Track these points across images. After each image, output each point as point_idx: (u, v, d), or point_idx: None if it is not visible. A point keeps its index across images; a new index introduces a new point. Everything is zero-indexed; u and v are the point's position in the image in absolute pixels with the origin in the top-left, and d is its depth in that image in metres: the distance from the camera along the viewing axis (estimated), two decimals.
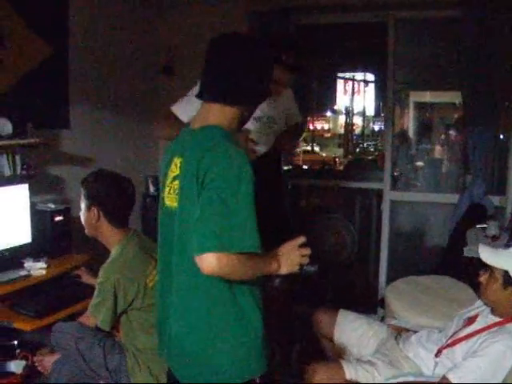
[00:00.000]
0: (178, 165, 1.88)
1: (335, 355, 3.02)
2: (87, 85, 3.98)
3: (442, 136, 6.18)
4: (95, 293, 2.58)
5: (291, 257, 1.88)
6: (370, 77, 12.78)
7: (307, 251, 1.89)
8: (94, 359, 2.60)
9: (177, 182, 1.87)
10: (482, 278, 2.48)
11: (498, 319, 2.43)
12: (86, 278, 3.17)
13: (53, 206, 3.39)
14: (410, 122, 6.61)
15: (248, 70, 1.90)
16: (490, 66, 4.15)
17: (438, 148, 6.18)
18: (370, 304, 3.42)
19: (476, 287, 2.67)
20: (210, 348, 1.86)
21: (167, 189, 1.94)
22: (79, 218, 2.75)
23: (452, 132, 5.95)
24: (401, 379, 2.51)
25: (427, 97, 6.55)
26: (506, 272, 2.36)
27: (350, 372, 2.59)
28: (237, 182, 1.71)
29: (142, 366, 2.59)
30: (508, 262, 2.37)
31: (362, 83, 12.44)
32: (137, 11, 4.56)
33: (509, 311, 2.40)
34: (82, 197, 2.68)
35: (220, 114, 1.89)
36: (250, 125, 2.99)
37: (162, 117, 3.07)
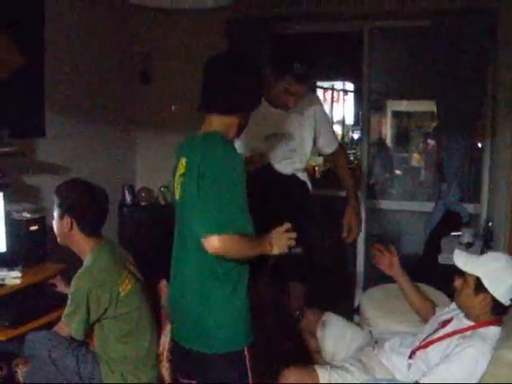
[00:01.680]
0: (184, 164, 2.24)
1: (317, 353, 3.10)
2: (63, 93, 3.97)
3: (420, 144, 6.22)
4: (68, 302, 2.57)
5: (281, 239, 2.25)
6: (350, 86, 12.81)
7: (293, 234, 2.26)
8: (67, 368, 2.59)
9: (183, 179, 2.25)
10: (457, 283, 2.50)
11: (471, 323, 2.46)
12: (62, 287, 3.15)
13: (28, 214, 3.36)
14: (387, 131, 6.65)
15: (237, 84, 2.25)
16: (464, 75, 4.20)
17: (415, 156, 6.23)
18: (346, 311, 3.43)
19: (451, 294, 2.69)
20: (210, 319, 2.23)
21: (176, 185, 2.32)
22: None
23: (429, 140, 6.00)
24: None
25: (404, 106, 6.60)
26: (478, 278, 2.40)
27: (323, 377, 2.61)
28: (231, 176, 2.10)
29: (116, 374, 2.58)
30: (480, 269, 2.40)
31: (341, 92, 12.45)
32: (113, 19, 4.57)
33: (481, 316, 2.44)
34: (55, 205, 2.67)
35: (219, 123, 2.27)
36: (260, 143, 3.12)
37: None
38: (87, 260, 2.64)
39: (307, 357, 3.21)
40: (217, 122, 2.27)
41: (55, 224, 2.70)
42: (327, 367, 2.72)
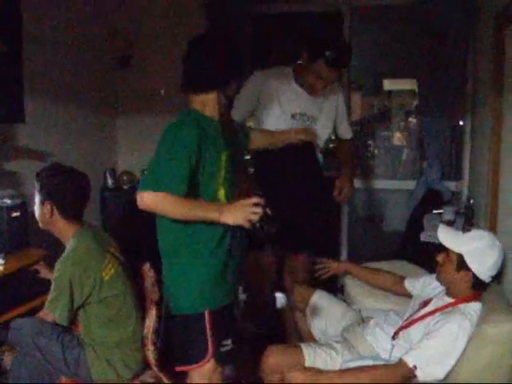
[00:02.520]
0: None
1: (305, 330, 3.14)
2: (42, 78, 3.91)
3: (402, 123, 6.22)
4: (51, 288, 2.56)
5: (239, 210, 2.23)
6: None
7: (259, 210, 2.21)
8: (52, 354, 2.59)
9: None
10: (439, 258, 2.54)
11: (452, 300, 2.49)
12: (45, 273, 3.13)
13: (9, 201, 3.33)
14: (368, 110, 6.63)
15: (205, 62, 2.33)
16: (445, 54, 4.21)
17: (397, 135, 6.23)
18: (329, 290, 3.45)
19: (433, 271, 2.72)
20: (171, 282, 2.44)
21: None
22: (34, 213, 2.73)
23: (411, 119, 6.00)
24: (359, 362, 2.54)
25: (386, 84, 6.58)
26: (461, 256, 2.42)
27: (308, 354, 2.63)
28: (173, 142, 2.22)
29: (102, 359, 2.59)
30: (464, 247, 2.43)
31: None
32: (92, 2, 4.51)
33: (462, 292, 2.47)
34: (36, 191, 2.65)
35: (195, 101, 2.38)
36: (283, 121, 3.28)
37: None
38: (69, 245, 2.62)
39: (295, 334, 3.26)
40: (194, 101, 2.39)
41: (36, 210, 2.68)
42: (312, 344, 2.75)
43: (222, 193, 2.36)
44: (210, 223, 2.29)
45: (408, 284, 2.91)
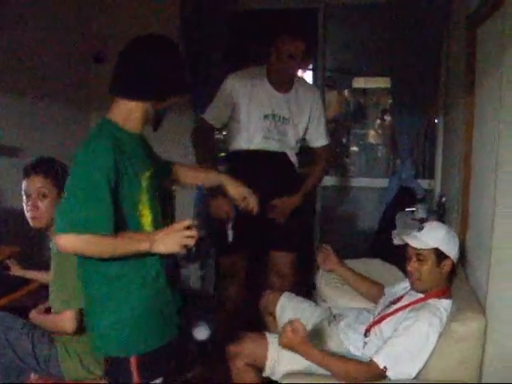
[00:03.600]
0: None
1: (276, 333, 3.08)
2: (14, 74, 3.87)
3: (377, 121, 6.27)
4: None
5: (171, 237, 1.98)
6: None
7: (193, 233, 1.98)
8: (23, 349, 2.56)
9: None
10: (413, 268, 2.52)
11: (422, 296, 2.52)
12: (15, 270, 3.10)
13: None
14: (343, 108, 6.67)
15: (141, 68, 2.00)
16: (419, 52, 4.24)
17: (372, 133, 6.27)
18: (302, 289, 3.46)
19: (405, 269, 2.73)
20: (92, 322, 2.11)
21: None
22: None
23: (386, 117, 6.05)
24: None
25: (361, 82, 6.62)
26: (436, 249, 2.45)
27: (272, 343, 2.61)
28: (87, 165, 1.89)
29: (72, 355, 2.56)
30: (434, 240, 2.46)
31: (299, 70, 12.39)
32: None
33: (434, 287, 2.49)
34: (51, 186, 2.57)
35: (119, 108, 2.03)
36: (259, 121, 3.29)
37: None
38: None
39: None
40: (117, 107, 2.04)
41: (47, 207, 2.57)
42: (278, 335, 2.75)
43: (146, 220, 2.05)
44: (137, 262, 2.02)
45: (386, 292, 2.91)
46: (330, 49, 3.59)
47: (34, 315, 2.62)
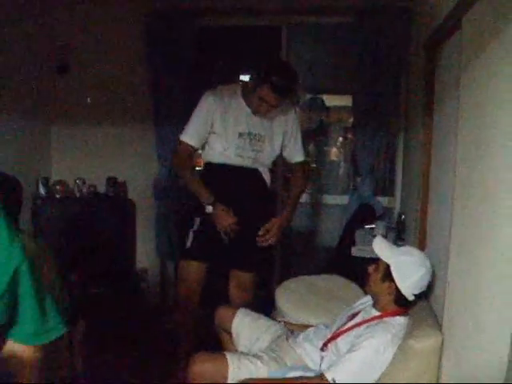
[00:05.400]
0: None
1: (232, 350, 3.06)
2: None
3: (340, 138, 6.32)
4: None
5: None
6: None
7: None
8: None
9: None
10: (370, 268, 2.59)
11: (378, 313, 2.54)
12: None
13: None
14: (305, 125, 6.71)
15: None
16: (380, 72, 4.31)
17: (334, 150, 6.31)
18: (262, 305, 3.46)
19: (363, 285, 2.76)
20: None
21: None
22: None
23: (348, 135, 6.10)
24: (288, 373, 2.57)
25: (325, 100, 6.68)
26: (388, 266, 2.47)
27: (232, 363, 2.61)
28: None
29: None
30: (392, 258, 2.48)
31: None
32: (32, 8, 4.41)
33: (386, 305, 2.51)
34: None
35: None
36: (233, 138, 3.31)
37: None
38: None
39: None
40: None
41: None
42: (237, 354, 2.75)
43: None
44: None
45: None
46: (294, 66, 3.62)
47: None
